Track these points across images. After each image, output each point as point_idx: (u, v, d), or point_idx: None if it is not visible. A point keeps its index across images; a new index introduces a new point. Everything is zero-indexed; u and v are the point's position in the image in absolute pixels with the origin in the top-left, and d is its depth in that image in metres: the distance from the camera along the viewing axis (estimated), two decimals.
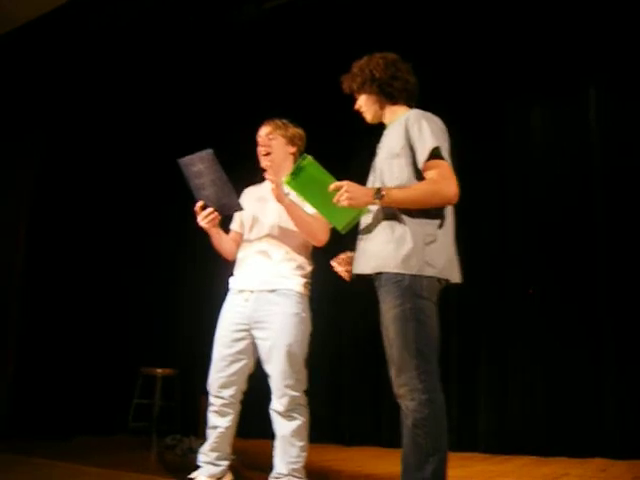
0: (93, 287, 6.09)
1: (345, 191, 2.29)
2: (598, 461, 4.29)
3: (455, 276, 2.40)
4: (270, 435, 3.13)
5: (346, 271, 2.66)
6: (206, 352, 3.30)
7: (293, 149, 3.28)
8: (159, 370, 5.72)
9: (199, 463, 3.22)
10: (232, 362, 3.12)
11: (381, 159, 2.51)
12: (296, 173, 2.44)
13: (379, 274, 2.38)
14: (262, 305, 3.08)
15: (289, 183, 2.47)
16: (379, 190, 2.29)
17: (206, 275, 6.04)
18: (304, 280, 3.17)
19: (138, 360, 5.97)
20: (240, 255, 3.25)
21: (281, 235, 3.13)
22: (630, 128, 4.69)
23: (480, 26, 5.01)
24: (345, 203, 2.30)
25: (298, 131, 3.33)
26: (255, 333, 3.10)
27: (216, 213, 3.01)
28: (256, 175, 3.34)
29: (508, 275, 5.02)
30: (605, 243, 4.67)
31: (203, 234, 3.23)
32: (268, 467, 3.11)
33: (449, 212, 2.41)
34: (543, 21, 4.87)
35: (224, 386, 3.13)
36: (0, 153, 5.83)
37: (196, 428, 5.35)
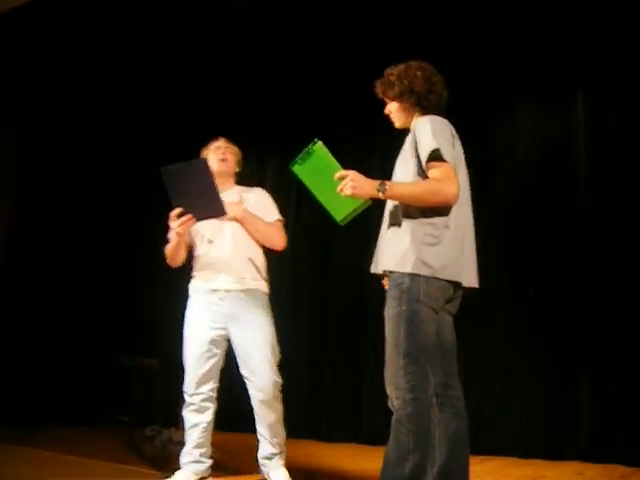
0: (73, 276, 6.06)
1: (350, 180, 2.35)
2: (574, 464, 4.32)
3: (464, 279, 2.44)
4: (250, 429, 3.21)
5: None
6: None
7: (237, 170, 3.55)
8: (139, 360, 5.69)
9: (182, 465, 3.24)
10: (209, 358, 3.27)
11: (397, 164, 2.60)
12: (304, 158, 2.46)
13: (388, 273, 2.46)
14: (238, 303, 3.27)
15: (295, 167, 2.48)
16: (382, 183, 2.35)
17: (188, 268, 6.02)
18: (265, 283, 3.42)
19: (118, 350, 5.95)
20: (203, 261, 3.38)
21: (242, 245, 3.33)
22: (617, 133, 4.71)
23: (467, 31, 5.00)
24: (349, 192, 2.34)
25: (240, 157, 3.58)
26: (232, 329, 3.26)
27: (193, 219, 3.10)
28: None
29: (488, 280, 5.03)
30: (589, 247, 4.69)
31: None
32: (252, 459, 3.19)
33: (460, 214, 2.46)
34: (530, 26, 4.88)
35: (203, 382, 3.25)
36: None
37: (176, 420, 5.35)
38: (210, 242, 3.35)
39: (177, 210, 3.08)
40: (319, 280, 5.88)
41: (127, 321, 6.26)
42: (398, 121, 2.69)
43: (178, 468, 3.27)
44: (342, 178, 2.37)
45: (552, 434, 4.57)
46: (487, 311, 5.01)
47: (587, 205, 4.74)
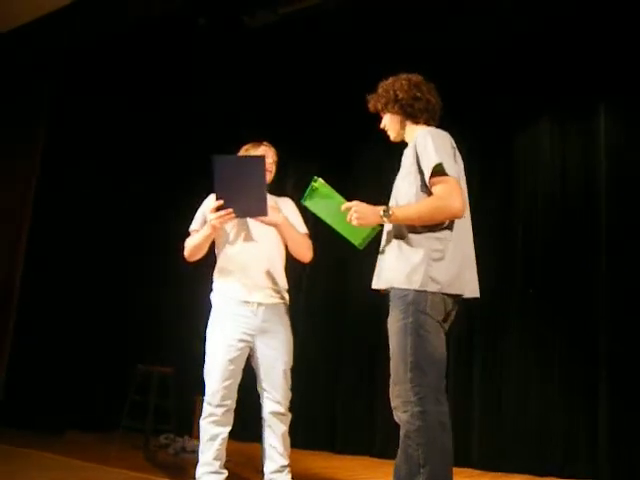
0: (91, 282, 6.10)
1: (354, 211, 2.41)
2: None
3: (468, 290, 2.43)
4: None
5: None
6: (202, 352, 3.31)
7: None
8: (155, 368, 5.71)
9: (201, 476, 3.20)
10: (234, 369, 3.19)
11: (398, 178, 2.58)
12: (310, 194, 2.54)
13: (390, 289, 2.44)
14: (270, 317, 3.22)
15: (306, 202, 2.56)
16: (387, 209, 2.38)
17: (203, 274, 6.02)
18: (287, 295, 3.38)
19: (135, 357, 5.97)
20: (234, 265, 3.26)
21: (277, 255, 3.29)
22: (638, 148, 4.70)
23: (489, 46, 5.02)
24: (355, 223, 2.41)
25: None
26: (259, 342, 3.21)
27: (232, 215, 3.01)
28: None
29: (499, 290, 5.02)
30: (607, 256, 4.69)
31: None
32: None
33: (460, 226, 2.45)
34: (553, 42, 4.89)
35: (228, 394, 3.18)
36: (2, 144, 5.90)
37: (190, 428, 5.36)
38: (244, 245, 3.25)
39: (218, 202, 2.97)
40: (335, 295, 5.88)
41: (143, 329, 6.29)
42: (392, 133, 2.70)
43: (192, 477, 3.26)
44: (348, 209, 2.42)
45: (567, 452, 4.53)
46: (502, 327, 5.00)
47: (607, 220, 4.73)
